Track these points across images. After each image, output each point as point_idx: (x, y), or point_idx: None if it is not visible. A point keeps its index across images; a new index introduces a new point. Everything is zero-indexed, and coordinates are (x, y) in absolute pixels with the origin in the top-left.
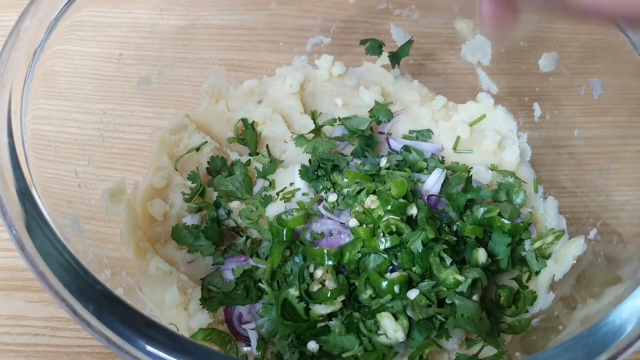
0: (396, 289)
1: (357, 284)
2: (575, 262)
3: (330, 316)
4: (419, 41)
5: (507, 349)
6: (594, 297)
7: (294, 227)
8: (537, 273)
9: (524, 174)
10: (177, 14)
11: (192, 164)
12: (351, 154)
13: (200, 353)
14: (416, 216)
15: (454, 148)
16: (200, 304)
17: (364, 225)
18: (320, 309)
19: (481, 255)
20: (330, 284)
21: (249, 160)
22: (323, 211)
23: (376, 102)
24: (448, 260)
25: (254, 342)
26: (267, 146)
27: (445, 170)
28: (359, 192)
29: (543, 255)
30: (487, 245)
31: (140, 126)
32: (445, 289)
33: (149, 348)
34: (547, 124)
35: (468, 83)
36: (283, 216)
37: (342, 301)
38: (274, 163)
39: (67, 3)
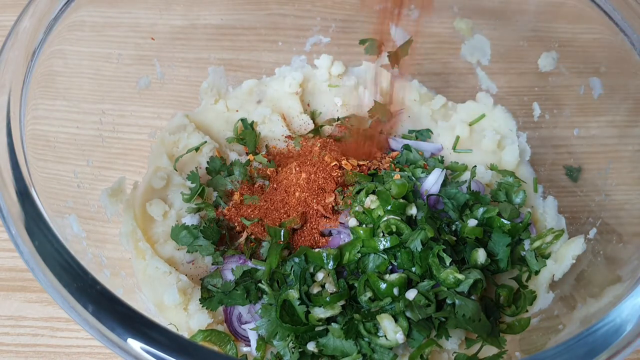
0: (395, 291)
1: (356, 285)
2: (574, 261)
3: (329, 320)
4: (418, 41)
5: (506, 348)
6: (593, 296)
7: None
8: (536, 273)
9: (523, 174)
10: (176, 14)
11: (192, 164)
12: None
13: (199, 353)
14: (416, 216)
15: (454, 148)
16: (200, 304)
17: (364, 225)
18: (319, 313)
19: (480, 255)
20: (330, 287)
21: (248, 160)
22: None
23: (375, 102)
24: (447, 260)
25: (253, 343)
26: (266, 146)
27: (445, 170)
28: (358, 192)
29: (543, 255)
30: (486, 245)
31: (140, 126)
32: (445, 289)
33: (149, 348)
34: (546, 123)
35: (467, 83)
36: None
37: (342, 305)
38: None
39: (65, 3)
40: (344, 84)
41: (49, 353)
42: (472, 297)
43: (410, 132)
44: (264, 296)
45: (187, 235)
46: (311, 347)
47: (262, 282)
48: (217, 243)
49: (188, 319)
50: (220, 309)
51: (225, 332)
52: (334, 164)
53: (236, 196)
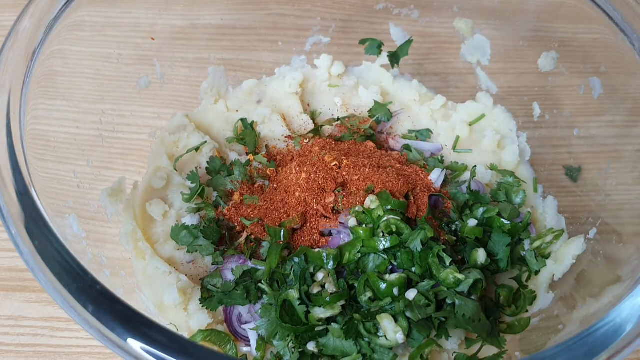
0: (395, 291)
1: (356, 285)
2: (574, 261)
3: (329, 320)
4: (418, 41)
5: (506, 348)
6: (593, 296)
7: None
8: (536, 273)
9: (523, 174)
10: (176, 14)
11: (192, 164)
12: None
13: (199, 353)
14: (416, 215)
15: (454, 147)
16: (200, 304)
17: (364, 225)
18: (319, 313)
19: (480, 255)
20: (330, 287)
21: (248, 160)
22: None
23: (375, 102)
24: (447, 260)
25: (253, 343)
26: (266, 146)
27: (445, 169)
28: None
29: (542, 255)
30: (486, 245)
31: (140, 126)
32: (445, 289)
33: (149, 348)
34: (546, 123)
35: (467, 82)
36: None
37: (342, 305)
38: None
39: (65, 3)
40: (344, 84)
41: (49, 353)
42: (472, 297)
43: (410, 132)
44: (264, 296)
45: (187, 235)
46: (311, 347)
47: (262, 282)
48: (217, 243)
49: (188, 319)
50: (220, 309)
51: (225, 332)
52: (334, 164)
53: (236, 196)
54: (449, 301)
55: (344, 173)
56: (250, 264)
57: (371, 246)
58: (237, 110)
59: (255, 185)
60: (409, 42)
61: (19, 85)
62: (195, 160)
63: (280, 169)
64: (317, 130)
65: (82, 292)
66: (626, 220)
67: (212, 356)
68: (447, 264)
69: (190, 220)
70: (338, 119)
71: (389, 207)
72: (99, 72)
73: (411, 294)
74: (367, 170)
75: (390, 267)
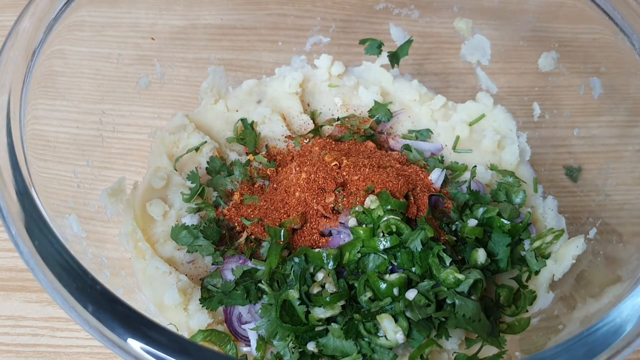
0: (395, 291)
1: (356, 285)
2: (574, 261)
3: (329, 320)
4: (418, 41)
5: (506, 348)
6: (593, 296)
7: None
8: (536, 273)
9: (523, 174)
10: (176, 14)
11: (192, 164)
12: None
13: (199, 353)
14: (416, 215)
15: (454, 147)
16: (200, 304)
17: (364, 225)
18: (319, 313)
19: (480, 255)
20: (330, 287)
21: (248, 160)
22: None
23: (375, 102)
24: (447, 260)
25: (253, 343)
26: (266, 146)
27: (445, 169)
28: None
29: (542, 255)
30: (486, 245)
31: (140, 126)
32: (445, 289)
33: (149, 348)
34: (546, 123)
35: (467, 82)
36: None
37: (342, 305)
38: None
39: (65, 3)
40: (344, 84)
41: (49, 353)
42: (472, 297)
43: (410, 132)
44: (264, 296)
45: (187, 235)
46: (311, 347)
47: (262, 282)
48: (217, 243)
49: (188, 319)
50: (220, 309)
51: (225, 332)
52: (334, 164)
53: (236, 196)
54: (449, 301)
55: (344, 173)
56: (250, 264)
57: (371, 246)
58: (237, 110)
59: (255, 185)
60: (409, 42)
61: (19, 85)
62: (195, 160)
63: (280, 169)
64: (317, 130)
65: (82, 292)
66: (626, 220)
67: (212, 356)
68: (447, 264)
69: (190, 220)
70: (338, 119)
71: (389, 207)
72: (99, 72)
73: (411, 294)
74: (367, 170)
75: (390, 267)
